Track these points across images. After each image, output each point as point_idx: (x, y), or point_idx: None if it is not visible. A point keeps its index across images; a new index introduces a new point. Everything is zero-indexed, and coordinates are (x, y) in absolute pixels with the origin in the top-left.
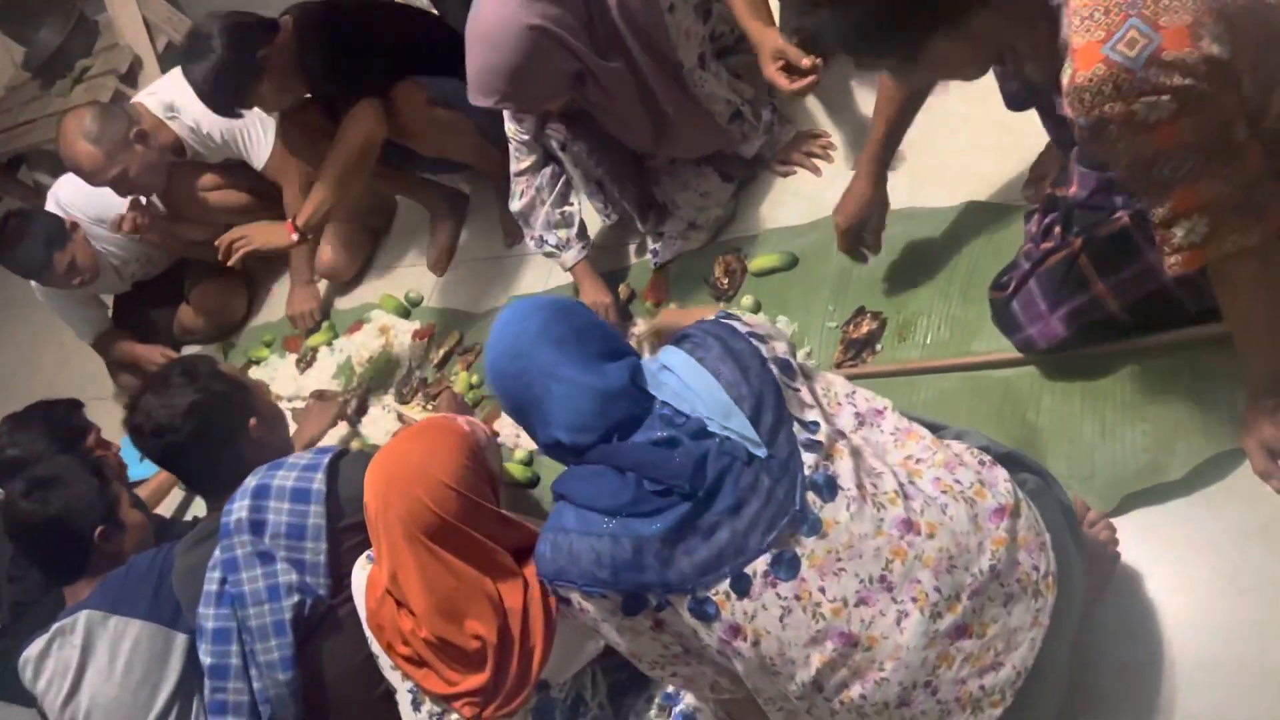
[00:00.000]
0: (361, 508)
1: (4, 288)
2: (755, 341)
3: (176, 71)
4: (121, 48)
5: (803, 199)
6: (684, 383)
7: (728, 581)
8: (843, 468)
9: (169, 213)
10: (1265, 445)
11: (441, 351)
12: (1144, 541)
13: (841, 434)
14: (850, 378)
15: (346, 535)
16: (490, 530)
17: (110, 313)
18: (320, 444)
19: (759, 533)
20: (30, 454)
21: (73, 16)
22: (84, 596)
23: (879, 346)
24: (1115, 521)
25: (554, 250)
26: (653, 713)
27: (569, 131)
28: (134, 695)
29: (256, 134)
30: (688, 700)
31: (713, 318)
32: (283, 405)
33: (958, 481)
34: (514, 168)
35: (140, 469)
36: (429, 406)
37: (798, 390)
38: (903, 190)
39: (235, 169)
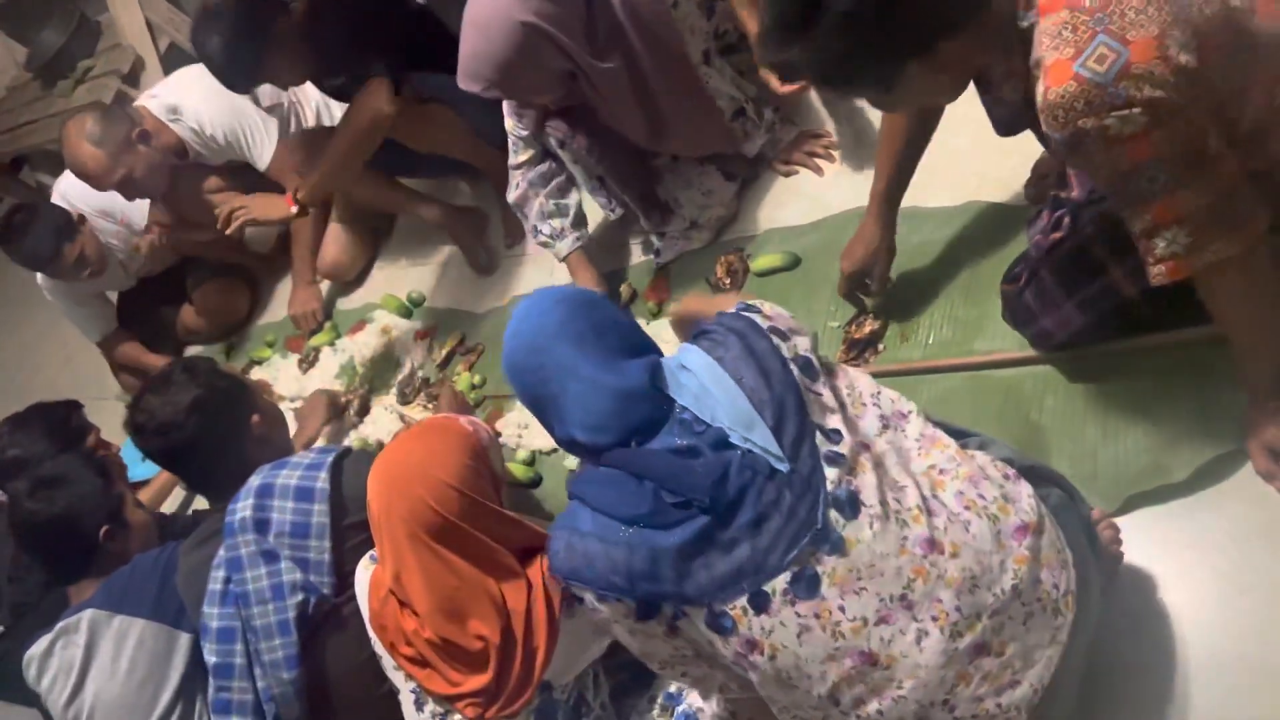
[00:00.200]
0: (365, 506)
1: (7, 288)
2: (776, 339)
3: (178, 74)
4: (124, 48)
5: (805, 199)
6: (704, 386)
7: (745, 597)
8: (866, 483)
9: (173, 215)
10: (1267, 446)
11: (444, 352)
12: (1147, 541)
13: (865, 445)
14: None
15: (350, 534)
16: (493, 530)
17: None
18: (319, 443)
19: (779, 550)
20: (31, 455)
21: (75, 17)
22: (88, 596)
23: (881, 346)
24: (1118, 521)
25: (548, 240)
26: (655, 713)
27: (569, 128)
28: (137, 694)
29: (259, 135)
30: (690, 700)
31: (733, 309)
32: (285, 406)
33: (981, 496)
34: (512, 160)
35: (140, 470)
36: (429, 406)
37: (819, 395)
38: None
39: (238, 171)
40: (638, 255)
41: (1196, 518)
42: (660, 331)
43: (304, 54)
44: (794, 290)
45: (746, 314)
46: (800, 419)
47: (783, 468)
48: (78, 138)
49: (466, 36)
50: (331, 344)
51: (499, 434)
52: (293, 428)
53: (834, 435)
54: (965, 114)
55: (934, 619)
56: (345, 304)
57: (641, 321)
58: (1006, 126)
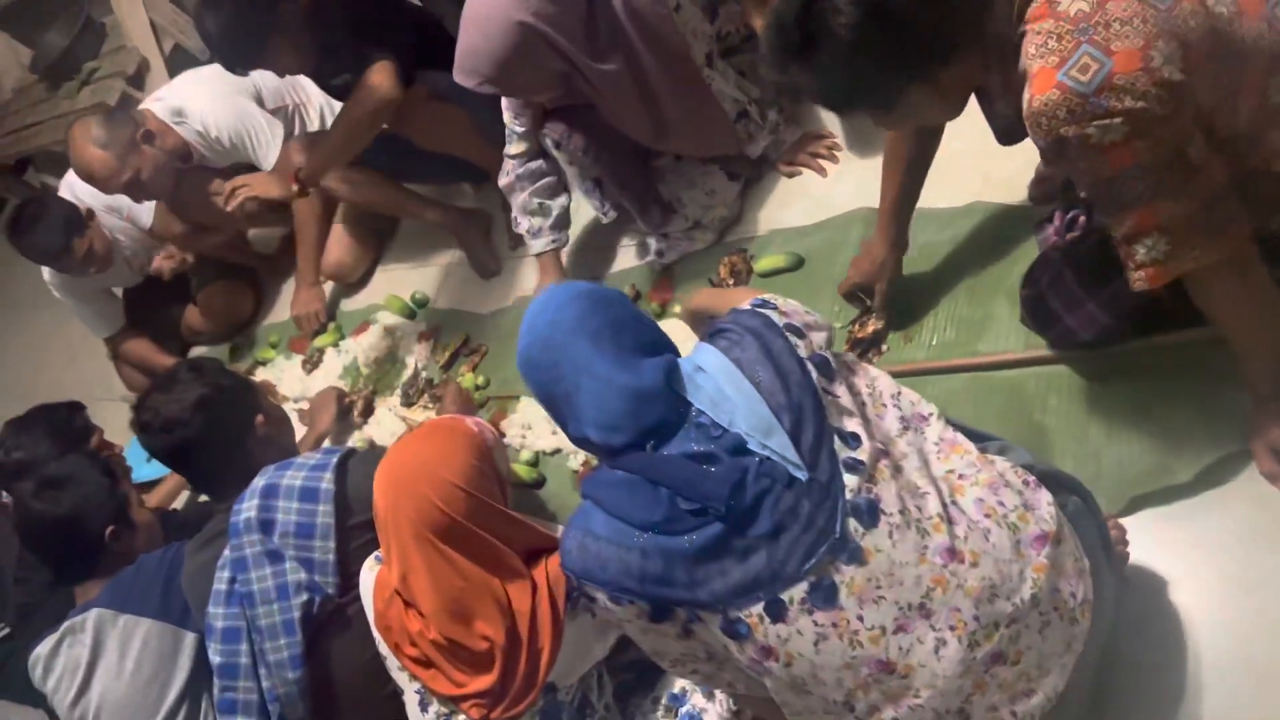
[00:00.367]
0: (369, 506)
1: (12, 290)
2: (793, 337)
3: (182, 77)
4: (128, 50)
5: (809, 200)
6: (721, 389)
7: (761, 605)
8: (886, 491)
9: (181, 219)
10: (1271, 447)
11: (447, 353)
12: (1152, 542)
13: (884, 451)
14: None
15: (355, 534)
16: (499, 531)
17: None
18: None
19: (797, 560)
20: (35, 456)
21: (80, 19)
22: (94, 596)
23: (885, 347)
24: (1123, 522)
25: (526, 234)
26: (659, 713)
27: (566, 129)
28: (143, 694)
29: (264, 136)
30: (694, 701)
31: (749, 306)
32: (289, 407)
33: (1001, 504)
34: (507, 150)
35: (145, 471)
36: (430, 407)
37: (836, 397)
38: None
39: (241, 174)
40: (641, 256)
41: (1201, 518)
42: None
43: (306, 43)
44: (797, 291)
45: (762, 310)
46: (818, 423)
47: (801, 476)
48: (84, 142)
49: (465, 32)
50: (335, 345)
51: (503, 435)
52: (299, 429)
53: (852, 440)
54: (967, 116)
55: (952, 628)
56: (349, 305)
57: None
58: (1007, 135)
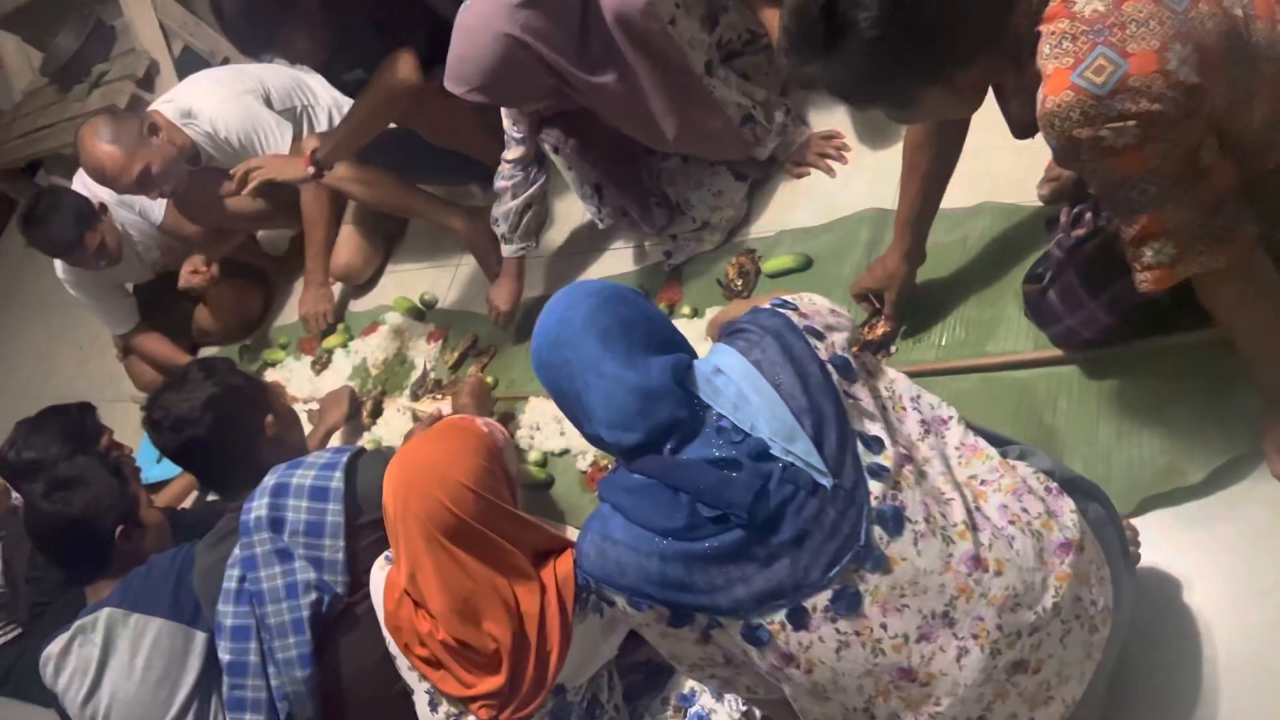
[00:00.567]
0: (379, 506)
1: (22, 292)
2: (813, 339)
3: (191, 79)
4: (138, 53)
5: (817, 200)
6: (742, 392)
7: (784, 613)
8: (910, 498)
9: (188, 218)
10: None
11: (456, 353)
12: (1163, 544)
13: (908, 456)
14: None
15: (364, 533)
16: (508, 532)
17: None
18: (334, 442)
19: (820, 567)
20: (45, 457)
21: (90, 22)
22: (105, 595)
23: (894, 348)
24: (1134, 523)
25: (500, 235)
26: (668, 713)
27: (563, 134)
28: (153, 693)
29: (273, 137)
30: (703, 702)
31: (769, 305)
32: (298, 407)
33: (1025, 511)
34: (504, 154)
35: (155, 471)
36: (438, 397)
37: (858, 400)
38: None
39: None
40: (648, 257)
41: (1213, 520)
42: None
43: (323, 32)
44: (806, 291)
45: (783, 310)
46: (841, 428)
47: (825, 482)
48: (92, 140)
49: (455, 40)
50: (344, 346)
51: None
52: (308, 430)
53: (875, 444)
54: (977, 116)
55: (975, 637)
56: (358, 306)
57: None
58: (1023, 129)
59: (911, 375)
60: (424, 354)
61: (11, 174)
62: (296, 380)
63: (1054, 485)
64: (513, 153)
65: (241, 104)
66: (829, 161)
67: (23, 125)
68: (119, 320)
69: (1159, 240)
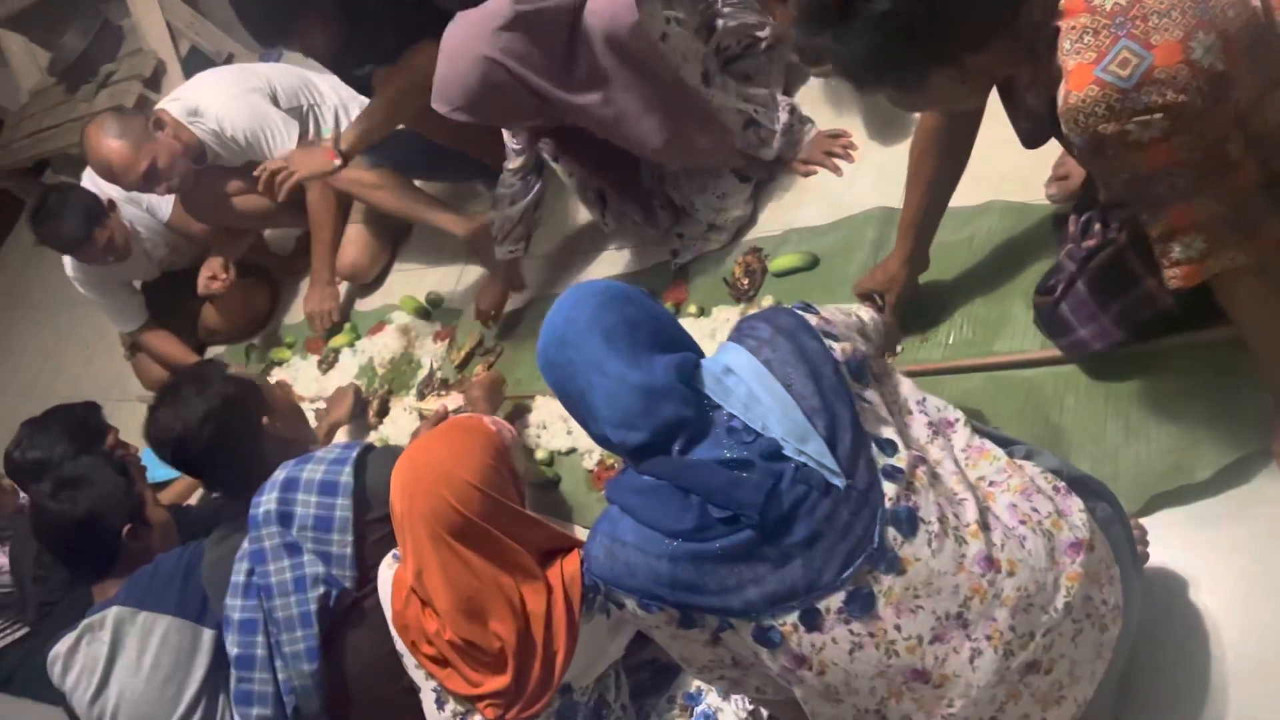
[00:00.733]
0: (387, 501)
1: (29, 292)
2: (829, 341)
3: (198, 77)
4: (145, 53)
5: (824, 199)
6: (753, 392)
7: (796, 614)
8: (924, 499)
9: (194, 216)
10: None
11: (462, 353)
12: (1171, 543)
13: (922, 459)
14: None
15: (372, 528)
16: (515, 531)
17: None
18: (341, 438)
19: (834, 569)
20: (52, 456)
21: (98, 22)
22: (112, 594)
23: (900, 347)
24: (1142, 522)
25: (495, 237)
26: (675, 712)
27: (562, 144)
28: (161, 690)
29: (280, 135)
30: (709, 701)
31: (788, 306)
32: (305, 407)
33: (1035, 510)
34: (506, 164)
35: (161, 472)
36: (443, 394)
37: (871, 403)
38: None
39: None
40: (654, 256)
41: (1221, 520)
42: None
43: (338, 25)
44: (812, 291)
45: (800, 312)
46: (855, 428)
47: (839, 483)
48: (98, 137)
49: (439, 62)
50: (351, 345)
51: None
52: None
53: (889, 447)
54: (985, 112)
55: (988, 638)
56: (364, 305)
57: None
58: (1031, 139)
59: (918, 374)
60: (430, 353)
61: (19, 174)
62: (303, 379)
63: (1062, 484)
64: (513, 163)
65: (248, 102)
66: (836, 160)
67: (30, 125)
68: (127, 318)
69: (1189, 234)
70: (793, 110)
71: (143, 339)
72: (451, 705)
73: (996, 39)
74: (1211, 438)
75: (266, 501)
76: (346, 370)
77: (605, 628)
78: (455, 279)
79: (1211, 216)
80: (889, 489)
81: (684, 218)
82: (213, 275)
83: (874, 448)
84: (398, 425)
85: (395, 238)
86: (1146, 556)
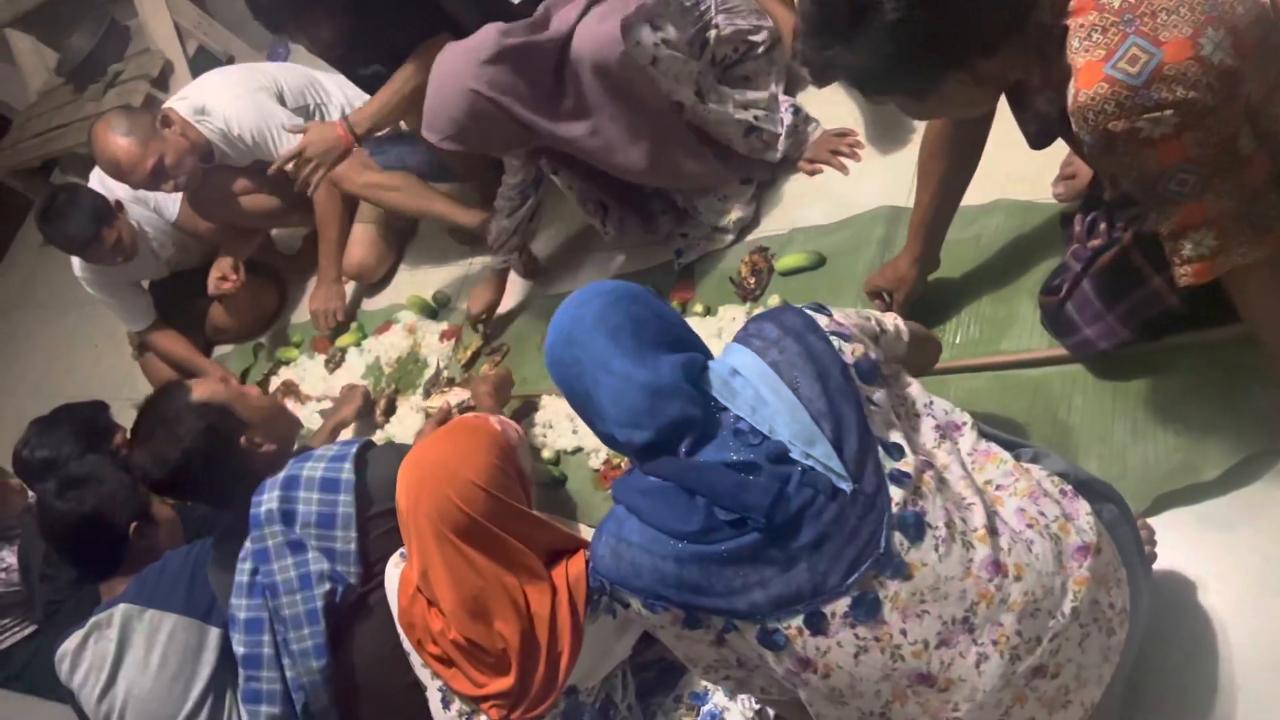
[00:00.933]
0: (389, 496)
1: (36, 292)
2: (838, 342)
3: (205, 77)
4: (153, 53)
5: (831, 198)
6: (760, 395)
7: (802, 618)
8: (931, 504)
9: (201, 215)
10: None
11: (469, 352)
12: (1179, 543)
13: (929, 463)
14: None
15: (375, 523)
16: (519, 531)
17: None
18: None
19: (839, 573)
20: (59, 455)
21: (105, 22)
22: (119, 592)
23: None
24: (1149, 522)
25: (489, 248)
26: (681, 711)
27: (558, 160)
28: (168, 688)
29: (286, 134)
30: (716, 700)
31: (798, 306)
32: (312, 406)
33: (1042, 514)
34: (505, 178)
35: None
36: (445, 391)
37: (879, 406)
38: None
39: (263, 173)
40: (659, 256)
41: (1229, 519)
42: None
43: (344, 20)
44: (819, 290)
45: (809, 312)
46: (862, 433)
47: (845, 487)
48: (106, 134)
49: (428, 92)
50: (358, 344)
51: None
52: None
53: (896, 451)
54: (995, 115)
55: (995, 643)
56: (371, 305)
57: None
58: (1038, 140)
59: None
60: (437, 352)
61: (27, 173)
62: (310, 378)
63: (1068, 488)
64: (513, 177)
65: (255, 101)
66: (842, 159)
67: (38, 125)
68: (135, 318)
69: (1200, 231)
70: (797, 110)
71: (150, 339)
72: (457, 705)
73: (1007, 43)
74: (1219, 437)
75: (268, 500)
76: (353, 369)
77: (611, 629)
78: (462, 278)
79: (1223, 213)
80: (896, 494)
81: (687, 220)
82: (223, 275)
83: (881, 451)
84: (404, 425)
85: (402, 238)
86: (1154, 556)
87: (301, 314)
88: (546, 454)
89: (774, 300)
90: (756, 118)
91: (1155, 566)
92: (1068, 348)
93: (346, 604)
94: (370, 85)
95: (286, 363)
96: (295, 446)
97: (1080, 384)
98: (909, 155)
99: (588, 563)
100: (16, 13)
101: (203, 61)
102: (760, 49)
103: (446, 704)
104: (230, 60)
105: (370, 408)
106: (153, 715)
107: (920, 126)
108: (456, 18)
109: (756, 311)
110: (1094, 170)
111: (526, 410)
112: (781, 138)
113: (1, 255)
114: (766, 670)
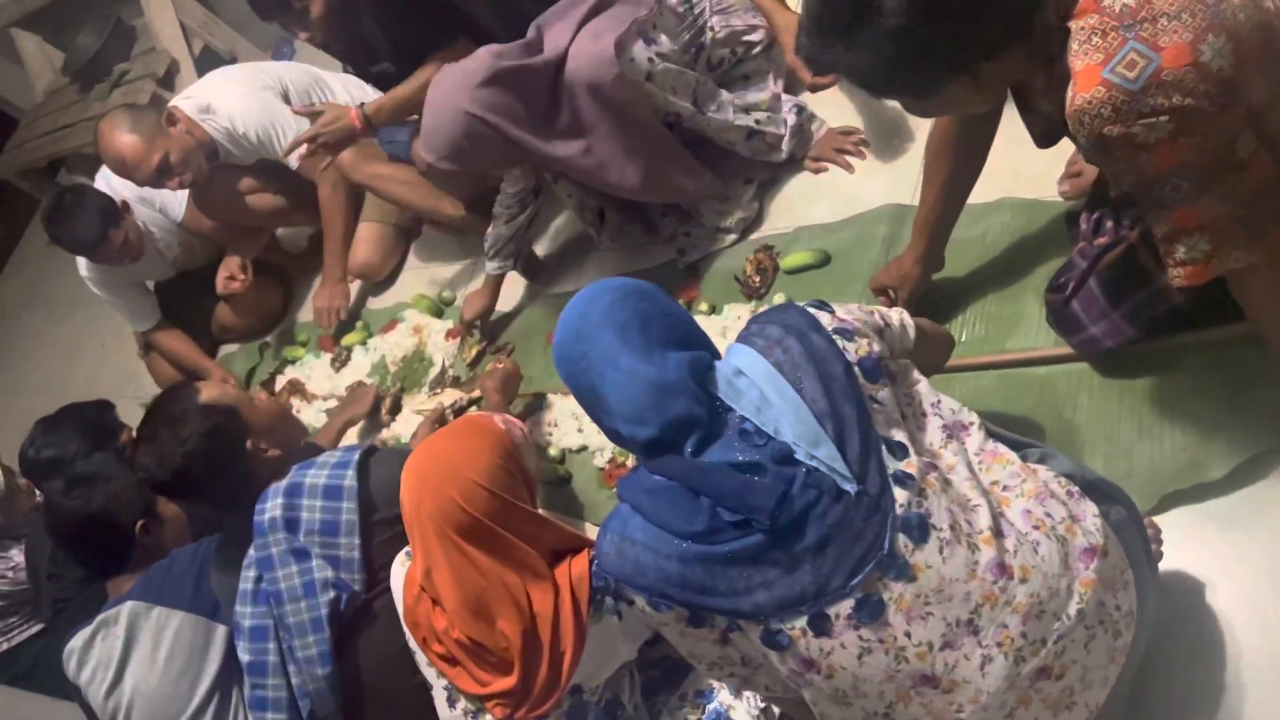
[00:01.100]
0: (392, 502)
1: (45, 290)
2: (841, 340)
3: (210, 75)
4: (159, 52)
5: (836, 196)
6: (764, 395)
7: (805, 619)
8: (936, 505)
9: (206, 214)
10: None
11: (474, 351)
12: (1185, 542)
13: (933, 465)
14: None
15: (378, 530)
16: (523, 531)
17: None
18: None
19: (843, 574)
20: (65, 454)
21: (111, 22)
22: (126, 590)
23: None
24: (1156, 520)
25: (486, 252)
26: (686, 709)
27: (555, 172)
28: (175, 685)
29: (292, 131)
30: (721, 698)
31: (802, 304)
32: (318, 406)
33: (1049, 516)
34: (505, 186)
35: None
36: (437, 392)
37: (883, 404)
38: None
39: (269, 172)
40: (662, 255)
41: (1236, 518)
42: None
43: (336, 12)
44: (824, 288)
45: (812, 310)
46: (864, 433)
47: (850, 488)
48: (111, 132)
49: (425, 114)
50: (363, 343)
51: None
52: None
53: (900, 450)
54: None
55: (999, 645)
56: (376, 304)
57: None
58: (1044, 139)
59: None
60: (442, 351)
61: (34, 173)
62: (316, 378)
63: (1075, 489)
64: (512, 186)
65: (260, 99)
66: (847, 157)
67: (44, 125)
68: (142, 318)
69: (1193, 235)
70: (800, 110)
71: (156, 339)
72: (463, 703)
73: (1010, 47)
74: (1225, 435)
75: (271, 508)
76: (359, 368)
77: (616, 629)
78: (467, 277)
79: (1217, 217)
80: (900, 495)
81: (689, 220)
82: (231, 275)
83: (884, 451)
84: (410, 424)
85: (408, 236)
86: (1160, 555)
87: (307, 313)
88: (552, 452)
89: (779, 299)
90: (759, 121)
91: (1161, 566)
92: (1073, 346)
93: (351, 611)
94: (379, 81)
95: (292, 362)
96: (302, 443)
97: (1086, 382)
98: (914, 153)
99: (591, 562)
100: (23, 12)
101: (208, 61)
102: (757, 48)
103: (452, 702)
104: (235, 59)
105: (376, 405)
106: (159, 712)
107: (926, 124)
108: (474, 19)
109: (761, 310)
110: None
111: (532, 408)
112: (786, 138)
113: (8, 255)
114: (771, 669)
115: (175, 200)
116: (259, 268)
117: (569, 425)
